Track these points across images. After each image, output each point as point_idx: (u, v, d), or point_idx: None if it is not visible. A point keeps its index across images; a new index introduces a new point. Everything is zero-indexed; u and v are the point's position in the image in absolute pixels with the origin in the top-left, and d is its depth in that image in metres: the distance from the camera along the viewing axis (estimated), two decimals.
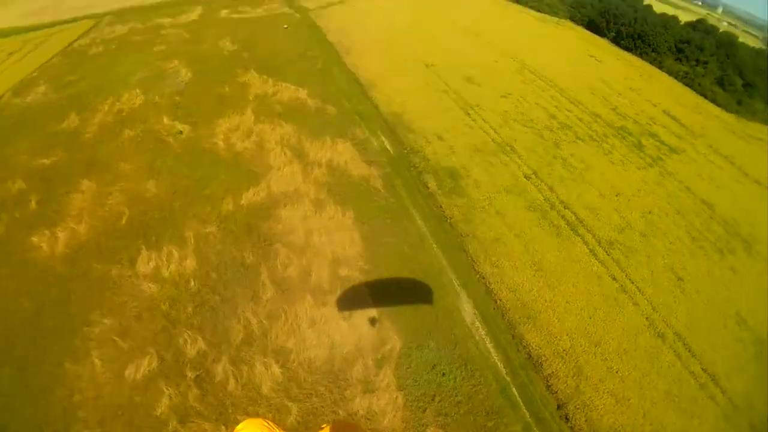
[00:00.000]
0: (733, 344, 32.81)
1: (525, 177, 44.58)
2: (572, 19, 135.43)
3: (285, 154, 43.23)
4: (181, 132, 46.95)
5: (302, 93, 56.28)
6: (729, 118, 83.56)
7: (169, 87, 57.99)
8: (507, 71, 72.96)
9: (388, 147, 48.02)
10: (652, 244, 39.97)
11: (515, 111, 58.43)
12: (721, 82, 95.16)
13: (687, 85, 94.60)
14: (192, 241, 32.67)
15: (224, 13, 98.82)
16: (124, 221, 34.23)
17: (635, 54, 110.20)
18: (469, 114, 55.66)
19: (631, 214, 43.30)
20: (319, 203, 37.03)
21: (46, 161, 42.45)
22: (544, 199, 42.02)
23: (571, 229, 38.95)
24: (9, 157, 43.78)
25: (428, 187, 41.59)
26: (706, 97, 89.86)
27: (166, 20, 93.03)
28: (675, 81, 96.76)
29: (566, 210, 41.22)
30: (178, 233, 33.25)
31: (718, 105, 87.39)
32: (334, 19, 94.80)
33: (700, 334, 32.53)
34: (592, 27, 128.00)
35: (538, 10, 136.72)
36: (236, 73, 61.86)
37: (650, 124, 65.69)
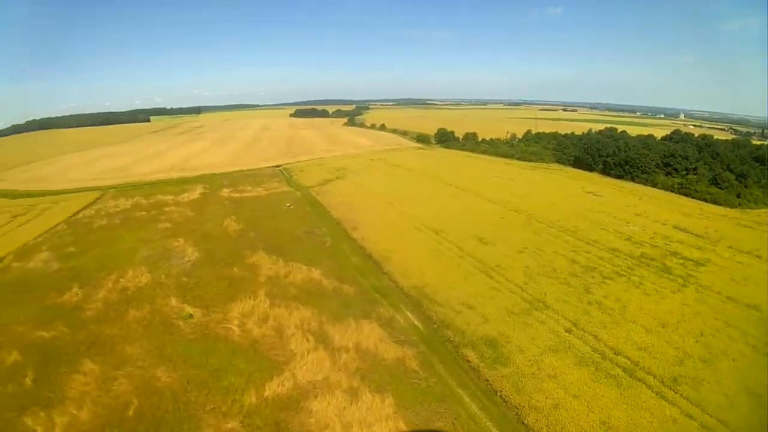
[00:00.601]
0: None
1: (566, 331, 44.74)
2: (558, 161, 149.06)
3: (307, 339, 41.44)
4: (191, 315, 45.52)
5: (315, 273, 56.40)
6: (734, 213, 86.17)
7: (175, 266, 58.42)
8: (515, 225, 77.98)
9: (416, 323, 46.39)
10: (716, 368, 38.64)
11: (536, 264, 60.66)
12: (715, 182, 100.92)
13: (684, 194, 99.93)
14: None
15: (226, 192, 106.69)
16: (131, 412, 31.68)
17: (627, 179, 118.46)
18: (491, 276, 57.10)
19: (684, 341, 42.56)
20: (354, 392, 34.36)
21: (45, 335, 41.04)
22: (593, 350, 41.51)
23: (630, 376, 37.85)
24: (5, 325, 42.55)
25: (469, 361, 39.94)
26: (706, 200, 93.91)
27: (168, 197, 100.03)
28: (672, 194, 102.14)
29: (618, 356, 40.66)
30: (195, 429, 30.39)
31: (720, 204, 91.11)
32: (335, 195, 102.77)
33: None
34: (579, 164, 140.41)
35: (526, 160, 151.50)
36: (244, 254, 63.02)
37: (668, 244, 68.33)
